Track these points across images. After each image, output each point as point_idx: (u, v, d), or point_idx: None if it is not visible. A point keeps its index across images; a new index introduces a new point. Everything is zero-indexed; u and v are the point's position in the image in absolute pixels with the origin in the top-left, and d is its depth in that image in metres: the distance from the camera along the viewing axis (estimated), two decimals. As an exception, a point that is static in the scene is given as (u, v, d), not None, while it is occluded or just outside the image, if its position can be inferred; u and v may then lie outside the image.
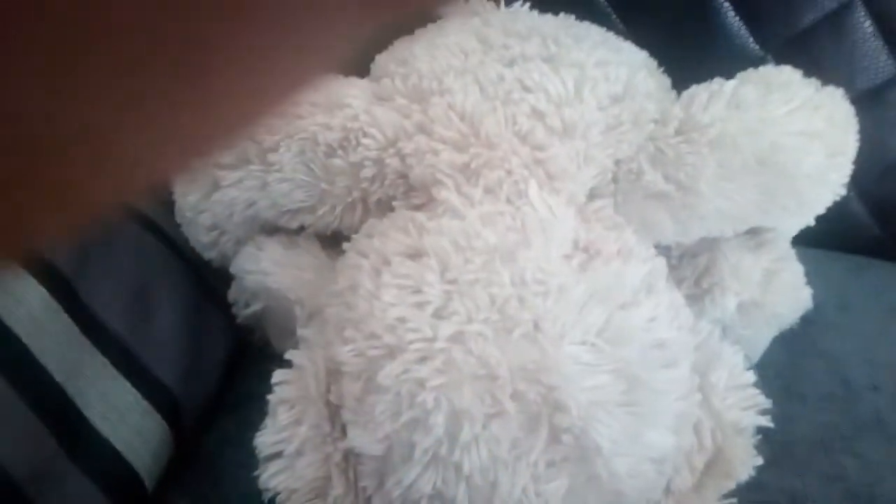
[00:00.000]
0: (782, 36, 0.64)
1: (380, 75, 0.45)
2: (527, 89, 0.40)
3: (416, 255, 0.37)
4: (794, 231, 0.51)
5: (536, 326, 0.35)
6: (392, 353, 0.35)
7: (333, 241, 0.48)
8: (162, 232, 0.53)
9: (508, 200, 0.39)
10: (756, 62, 0.66)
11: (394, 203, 0.42)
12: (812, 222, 0.49)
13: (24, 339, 0.41)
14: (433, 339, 0.35)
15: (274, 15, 0.11)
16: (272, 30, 0.11)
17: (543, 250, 0.37)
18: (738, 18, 0.64)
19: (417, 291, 0.36)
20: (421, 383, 0.34)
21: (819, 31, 0.64)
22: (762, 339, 0.48)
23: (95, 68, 0.10)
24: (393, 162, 0.41)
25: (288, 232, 0.48)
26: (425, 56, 0.43)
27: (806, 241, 0.55)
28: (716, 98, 0.42)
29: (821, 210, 0.47)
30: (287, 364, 0.41)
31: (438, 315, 0.35)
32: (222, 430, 0.51)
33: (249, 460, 0.49)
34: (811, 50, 0.64)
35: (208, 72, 0.11)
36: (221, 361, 0.52)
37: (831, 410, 0.56)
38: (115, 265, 0.48)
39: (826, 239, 0.64)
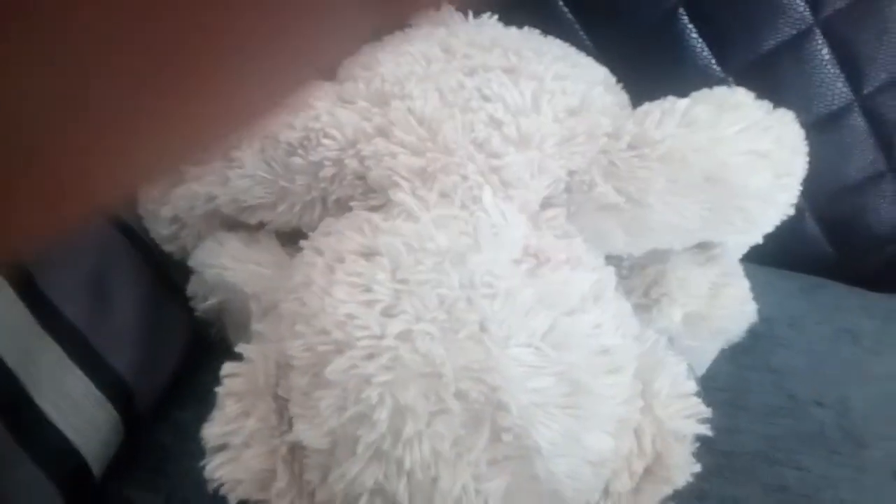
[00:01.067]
0: (744, 59, 0.66)
1: (344, 78, 0.45)
2: (485, 98, 0.41)
3: (369, 254, 0.38)
4: (744, 248, 0.53)
5: (482, 328, 0.36)
6: (340, 348, 0.36)
7: (293, 238, 0.49)
8: (122, 222, 0.53)
9: (463, 205, 0.40)
10: (718, 84, 0.68)
11: (351, 203, 0.42)
12: (760, 240, 0.51)
13: None
14: (381, 337, 0.35)
15: (271, 18, 0.11)
16: (269, 32, 0.11)
17: (493, 254, 0.38)
18: (701, 40, 0.66)
19: (368, 290, 0.37)
20: (367, 379, 0.35)
21: (779, 56, 0.66)
22: (708, 351, 0.50)
23: (86, 71, 0.10)
24: (352, 163, 0.42)
25: (248, 228, 0.49)
26: (389, 61, 0.44)
27: (762, 259, 0.57)
28: (668, 115, 0.43)
29: (769, 228, 0.49)
30: (238, 357, 0.42)
31: (387, 313, 0.36)
32: (176, 423, 0.51)
33: (201, 453, 0.49)
34: (772, 74, 0.66)
35: (199, 74, 0.11)
36: (178, 354, 0.53)
37: (776, 424, 0.57)
38: (73, 254, 0.49)
39: (781, 258, 0.66)
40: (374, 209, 0.42)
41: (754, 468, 0.55)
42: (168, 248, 0.52)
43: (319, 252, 0.40)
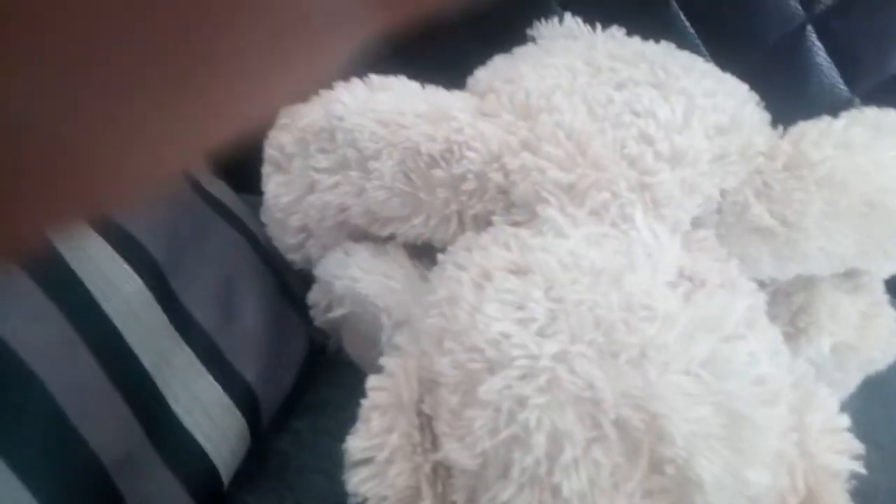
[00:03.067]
0: (873, 80, 0.63)
1: (483, 91, 0.45)
2: (636, 114, 0.40)
3: (519, 271, 0.37)
4: (887, 276, 0.50)
5: (642, 352, 0.34)
6: (493, 367, 0.35)
7: (420, 252, 0.48)
8: (248, 230, 0.54)
9: (613, 223, 0.38)
10: (844, 104, 0.66)
11: (493, 218, 0.42)
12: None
13: (118, 324, 0.42)
14: (537, 357, 0.34)
15: (277, 19, 0.11)
16: (275, 34, 0.11)
17: (650, 276, 0.36)
18: (829, 59, 0.63)
19: (521, 308, 0.36)
20: (523, 401, 0.34)
21: (913, 75, 0.63)
22: (852, 382, 0.47)
23: (94, 70, 0.10)
24: (496, 177, 0.41)
25: (375, 240, 0.48)
26: (532, 75, 0.43)
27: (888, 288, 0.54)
28: (826, 136, 0.41)
29: (918, 256, 0.47)
30: (377, 370, 0.41)
31: (542, 333, 0.35)
32: (295, 433, 0.51)
33: (323, 465, 0.49)
34: (903, 95, 0.63)
35: (207, 74, 0.11)
36: (298, 363, 0.53)
37: (911, 462, 0.54)
38: (204, 258, 0.49)
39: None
40: (516, 225, 0.41)
41: (890, 508, 0.52)
42: (292, 257, 0.52)
43: (462, 267, 0.39)
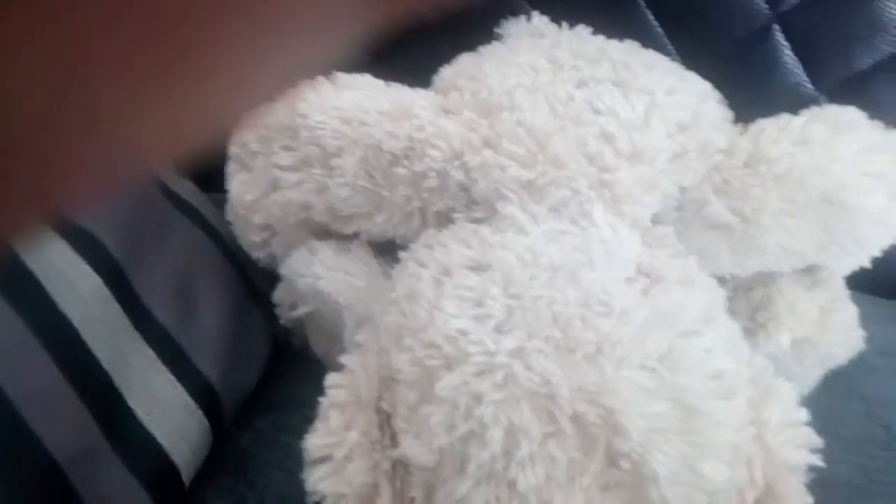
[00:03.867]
0: (838, 78, 0.64)
1: (446, 88, 0.45)
2: (597, 111, 0.40)
3: (478, 267, 0.37)
4: (847, 271, 0.51)
5: (598, 348, 0.35)
6: (450, 364, 0.35)
7: (384, 250, 0.48)
8: (211, 228, 0.53)
9: (573, 220, 0.39)
10: (809, 102, 0.66)
11: (454, 215, 0.42)
12: (867, 263, 0.49)
13: (76, 324, 0.41)
14: (494, 353, 0.34)
15: (272, 13, 0.11)
16: (260, 29, 0.11)
17: (607, 272, 0.37)
18: (794, 58, 0.64)
19: (479, 304, 0.36)
20: (479, 397, 0.34)
21: (876, 74, 0.63)
22: (811, 377, 0.48)
23: (90, 62, 0.10)
24: (457, 174, 0.41)
25: (339, 237, 0.48)
26: (495, 73, 0.43)
27: (851, 284, 0.55)
28: (785, 133, 0.42)
29: (877, 252, 0.47)
30: (338, 368, 0.41)
31: (500, 329, 0.35)
32: (258, 431, 0.51)
33: (285, 462, 0.48)
34: (866, 93, 0.64)
35: (191, 66, 0.11)
36: (261, 361, 0.52)
37: (871, 455, 0.55)
38: (165, 256, 0.48)
39: (871, 284, 0.63)
40: (477, 222, 0.41)
41: (850, 499, 0.53)
42: (256, 254, 0.52)
43: (423, 264, 0.39)
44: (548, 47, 0.45)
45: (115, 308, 0.44)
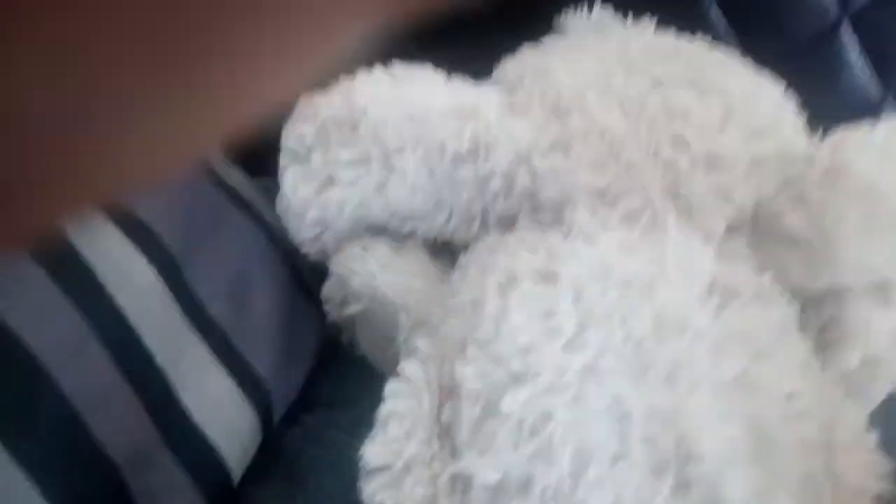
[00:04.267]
0: (907, 79, 0.62)
1: (512, 84, 0.43)
2: (671, 114, 0.38)
3: (546, 277, 0.36)
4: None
5: (673, 368, 0.33)
6: (518, 379, 0.34)
7: (439, 251, 0.47)
8: (262, 220, 0.52)
9: (645, 230, 0.37)
10: (875, 103, 0.64)
11: (519, 219, 0.40)
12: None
13: (131, 319, 0.41)
14: (564, 370, 0.33)
15: (277, 12, 0.11)
16: (274, 27, 0.11)
17: (682, 286, 0.35)
18: (862, 57, 0.62)
19: (549, 317, 0.35)
20: (548, 415, 0.33)
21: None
22: (878, 396, 0.46)
23: (90, 64, 0.10)
24: (524, 178, 0.40)
25: (394, 236, 0.47)
26: (564, 70, 0.42)
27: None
28: (867, 145, 0.40)
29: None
30: (393, 372, 0.40)
31: (570, 345, 0.34)
32: (306, 428, 0.50)
33: (334, 461, 0.48)
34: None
35: (205, 67, 0.11)
36: (311, 358, 0.52)
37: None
38: (218, 249, 0.48)
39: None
40: (542, 227, 0.39)
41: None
42: (307, 249, 0.51)
43: (486, 271, 0.38)
44: (617, 44, 0.44)
45: (169, 301, 0.43)
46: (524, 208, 0.40)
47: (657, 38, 0.45)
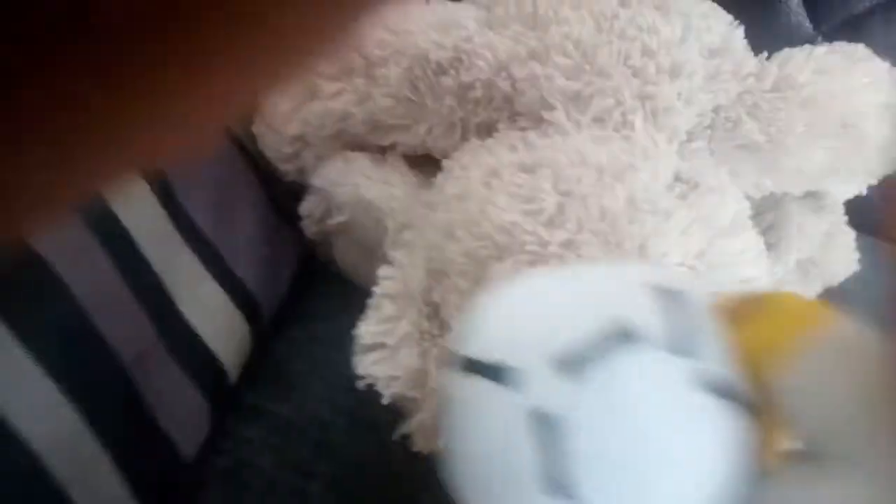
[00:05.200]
0: (837, 18, 0.68)
1: (488, 2, 0.46)
2: (639, 28, 0.42)
3: (528, 168, 0.39)
4: (846, 197, 0.54)
5: (643, 242, 0.37)
6: (503, 253, 0.37)
7: (415, 163, 0.50)
8: (237, 139, 0.54)
9: (615, 129, 0.41)
10: (809, 41, 0.70)
11: (498, 125, 0.43)
12: (864, 191, 0.52)
13: (129, 229, 0.42)
14: (546, 244, 0.36)
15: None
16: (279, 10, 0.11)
17: (650, 175, 0.39)
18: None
19: (531, 200, 0.38)
20: (533, 284, 0.36)
21: (871, 16, 0.67)
22: (812, 295, 0.51)
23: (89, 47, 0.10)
24: (503, 85, 0.42)
25: (372, 149, 0.50)
26: (538, -11, 0.45)
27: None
28: (810, 61, 0.44)
29: (874, 180, 0.50)
30: (373, 280, 0.42)
31: (551, 223, 0.37)
32: (291, 340, 0.52)
33: (320, 372, 0.50)
34: (862, 34, 0.68)
35: (209, 51, 0.11)
36: (293, 271, 0.54)
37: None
38: (200, 170, 0.49)
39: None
40: (522, 131, 0.43)
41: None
42: (285, 167, 0.53)
43: (470, 168, 0.41)
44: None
45: (161, 213, 0.45)
46: (503, 115, 0.43)
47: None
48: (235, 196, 0.51)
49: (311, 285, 0.56)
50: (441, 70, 0.44)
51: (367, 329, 0.39)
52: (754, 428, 0.22)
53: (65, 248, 0.38)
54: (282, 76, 0.13)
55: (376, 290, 0.40)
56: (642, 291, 0.23)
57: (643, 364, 0.21)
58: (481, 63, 0.43)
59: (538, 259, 0.36)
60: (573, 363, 0.21)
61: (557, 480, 0.20)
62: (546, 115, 0.41)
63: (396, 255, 0.41)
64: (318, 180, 0.50)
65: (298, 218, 0.54)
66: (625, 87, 0.41)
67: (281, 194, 0.56)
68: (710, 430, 0.21)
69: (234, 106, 0.13)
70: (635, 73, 0.41)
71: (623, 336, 0.21)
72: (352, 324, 0.41)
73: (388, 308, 0.39)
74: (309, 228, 0.53)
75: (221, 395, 0.45)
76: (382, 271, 0.40)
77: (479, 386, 0.22)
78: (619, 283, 0.24)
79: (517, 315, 0.23)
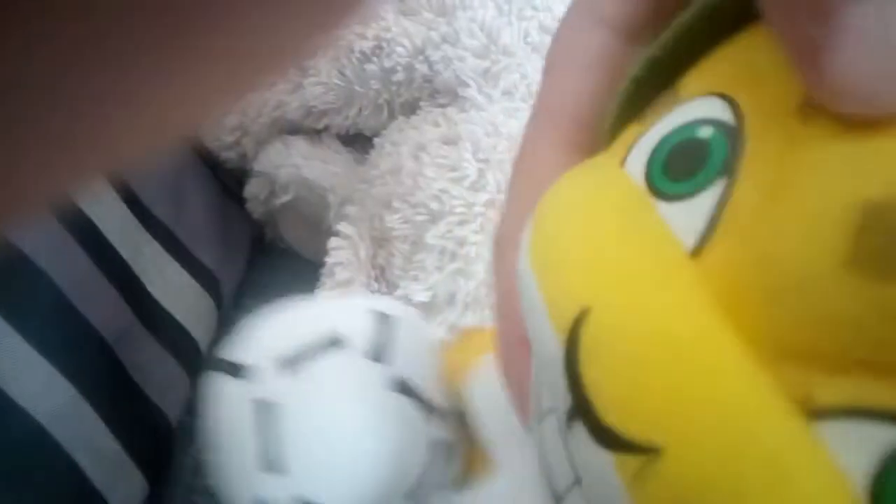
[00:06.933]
0: None
1: (401, -6, 0.51)
2: (535, 8, 0.48)
3: (450, 140, 0.45)
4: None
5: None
6: (436, 218, 0.43)
7: (348, 142, 0.55)
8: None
9: (522, 100, 0.47)
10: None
11: (420, 103, 0.49)
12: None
13: (97, 223, 0.46)
14: (472, 205, 0.43)
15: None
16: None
17: (555, 139, 0.45)
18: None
19: (455, 169, 0.44)
20: (463, 240, 0.42)
21: None
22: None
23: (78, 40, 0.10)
24: (422, 68, 0.48)
25: (308, 132, 0.55)
26: (444, -22, 0.50)
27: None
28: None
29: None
30: (321, 253, 0.48)
31: (474, 186, 0.43)
32: (249, 310, 0.57)
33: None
34: None
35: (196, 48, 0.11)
36: (246, 250, 0.59)
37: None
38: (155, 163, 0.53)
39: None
40: (441, 107, 0.48)
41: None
42: (227, 154, 0.57)
43: (399, 144, 0.47)
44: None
45: (121, 206, 0.49)
46: (424, 94, 0.49)
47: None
48: (187, 186, 0.56)
49: (263, 261, 0.61)
50: (365, 58, 0.49)
51: (323, 294, 0.44)
52: (446, 429, 0.27)
53: (45, 246, 0.42)
54: (262, 77, 0.13)
55: (328, 259, 0.45)
56: (361, 314, 0.28)
57: (344, 364, 0.26)
58: (400, 49, 0.48)
59: (466, 219, 0.43)
60: (291, 361, 0.26)
61: (273, 459, 0.25)
62: (461, 91, 0.47)
63: (342, 227, 0.47)
64: (259, 164, 0.55)
65: (246, 200, 0.58)
66: (527, 62, 0.47)
67: (228, 180, 0.60)
68: (392, 419, 0.26)
69: (212, 106, 0.13)
70: (535, 49, 0.47)
71: (333, 343, 0.26)
72: (300, 292, 0.47)
73: (340, 274, 0.45)
74: (256, 209, 0.58)
75: (196, 364, 0.50)
76: (332, 242, 0.46)
77: (220, 380, 0.27)
78: (345, 308, 0.29)
79: (261, 328, 0.28)
